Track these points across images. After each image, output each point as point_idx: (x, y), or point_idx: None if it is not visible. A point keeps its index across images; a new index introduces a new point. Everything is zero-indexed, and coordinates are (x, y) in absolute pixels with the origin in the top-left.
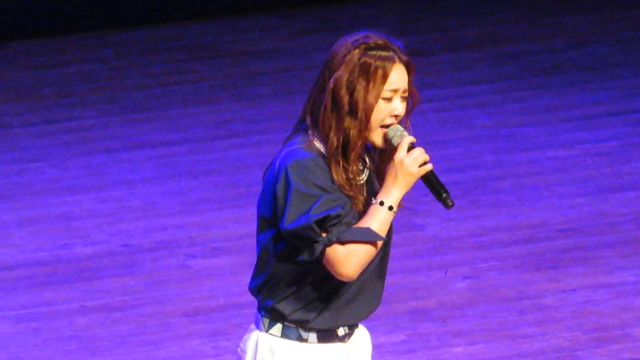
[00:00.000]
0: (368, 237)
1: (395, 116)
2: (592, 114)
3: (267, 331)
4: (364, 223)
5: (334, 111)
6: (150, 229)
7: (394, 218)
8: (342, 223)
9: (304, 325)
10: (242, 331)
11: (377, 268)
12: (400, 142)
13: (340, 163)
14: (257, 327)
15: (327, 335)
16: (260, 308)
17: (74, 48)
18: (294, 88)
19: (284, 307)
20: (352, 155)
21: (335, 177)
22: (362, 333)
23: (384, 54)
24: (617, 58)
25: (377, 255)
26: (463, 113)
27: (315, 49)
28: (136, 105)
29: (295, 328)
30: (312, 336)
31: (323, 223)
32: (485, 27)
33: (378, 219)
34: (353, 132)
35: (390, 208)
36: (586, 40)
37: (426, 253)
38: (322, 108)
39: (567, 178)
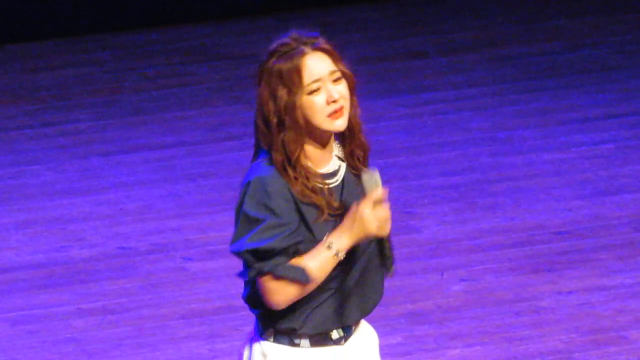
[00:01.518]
0: (300, 277)
1: (335, 101)
2: (589, 116)
3: (260, 335)
4: (306, 259)
5: (267, 127)
6: (147, 231)
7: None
8: (280, 253)
9: (294, 332)
10: (239, 334)
11: (366, 268)
12: (370, 193)
13: (293, 175)
14: (254, 331)
15: (319, 339)
16: (254, 314)
17: (71, 51)
18: None
19: (270, 315)
20: (298, 165)
21: (294, 191)
22: (365, 332)
23: (292, 52)
24: (614, 61)
25: (360, 261)
26: (460, 116)
27: None
28: (133, 108)
29: (286, 334)
30: (304, 341)
31: (256, 253)
32: (482, 30)
33: (320, 260)
34: (290, 141)
35: (336, 254)
36: (583, 43)
37: (423, 255)
38: (256, 128)
39: (564, 181)
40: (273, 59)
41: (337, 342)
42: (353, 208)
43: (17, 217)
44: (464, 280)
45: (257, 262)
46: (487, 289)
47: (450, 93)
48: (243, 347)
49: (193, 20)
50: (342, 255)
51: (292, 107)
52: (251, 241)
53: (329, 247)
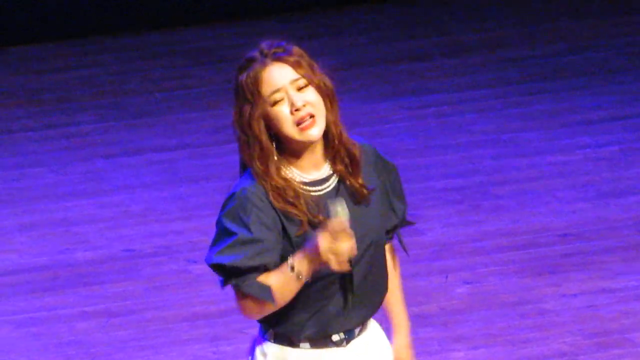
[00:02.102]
0: (264, 296)
1: (297, 109)
2: (593, 118)
3: (262, 336)
4: (272, 277)
5: (242, 144)
6: (151, 234)
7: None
8: (247, 271)
9: (291, 335)
10: (243, 336)
11: (365, 275)
12: (331, 223)
13: (270, 188)
14: (258, 331)
15: (320, 341)
16: None
17: (74, 53)
18: None
19: (269, 319)
20: (276, 177)
21: (275, 203)
22: (374, 335)
23: (252, 65)
24: (618, 63)
25: (360, 266)
26: (463, 118)
27: (315, 55)
28: (136, 110)
29: (286, 335)
30: (304, 343)
31: (223, 268)
32: (486, 32)
33: (284, 281)
34: (260, 155)
35: (298, 276)
36: (587, 45)
37: (427, 258)
38: (238, 144)
39: (568, 183)
40: (239, 75)
41: (338, 344)
42: (318, 232)
43: (21, 219)
44: (468, 282)
45: (225, 276)
46: (491, 292)
47: (454, 95)
48: (249, 347)
49: (197, 23)
50: (304, 279)
51: (257, 120)
52: (219, 255)
53: (292, 269)
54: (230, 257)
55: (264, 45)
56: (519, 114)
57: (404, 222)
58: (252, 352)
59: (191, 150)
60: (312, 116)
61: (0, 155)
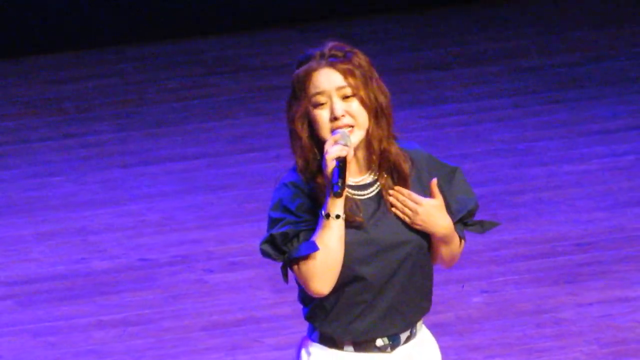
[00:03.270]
0: (308, 250)
1: (336, 118)
2: (611, 128)
3: (309, 336)
4: (313, 236)
5: (289, 136)
6: (168, 243)
7: None
8: (297, 241)
9: (335, 336)
10: (260, 345)
11: (407, 280)
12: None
13: (311, 180)
14: (307, 330)
15: (364, 345)
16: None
17: (92, 63)
18: None
19: (314, 318)
20: (314, 174)
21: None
22: (424, 344)
23: (306, 64)
24: (635, 72)
25: (397, 274)
26: (482, 127)
27: None
28: (154, 119)
29: (330, 337)
30: (348, 346)
31: (272, 242)
32: (504, 42)
33: (319, 230)
34: (300, 151)
35: (327, 216)
36: (604, 54)
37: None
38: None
39: (586, 192)
40: (296, 68)
41: (382, 349)
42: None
43: (39, 228)
44: (485, 291)
45: (276, 253)
46: (508, 301)
47: (472, 104)
48: (296, 346)
49: (214, 32)
50: (335, 215)
51: (300, 118)
52: (268, 237)
53: (321, 215)
54: (278, 229)
55: (327, 45)
56: (537, 123)
57: (468, 222)
58: (298, 351)
59: (209, 159)
60: (350, 126)
61: (19, 165)
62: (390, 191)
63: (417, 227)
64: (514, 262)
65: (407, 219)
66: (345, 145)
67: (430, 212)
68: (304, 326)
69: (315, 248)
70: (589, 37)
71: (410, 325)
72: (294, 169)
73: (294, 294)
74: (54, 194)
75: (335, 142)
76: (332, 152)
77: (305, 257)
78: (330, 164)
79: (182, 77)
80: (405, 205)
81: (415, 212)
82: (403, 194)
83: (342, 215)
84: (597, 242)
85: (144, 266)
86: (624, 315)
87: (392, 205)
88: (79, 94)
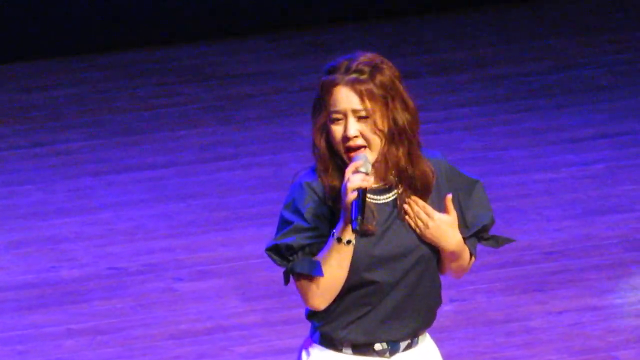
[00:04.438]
0: (312, 271)
1: (349, 138)
2: (580, 136)
3: (310, 336)
4: (319, 253)
5: (312, 139)
6: (138, 251)
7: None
8: (299, 251)
9: (335, 337)
10: (229, 354)
11: (412, 288)
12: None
13: (331, 187)
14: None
15: (362, 349)
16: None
17: (62, 71)
18: (282, 111)
19: (315, 317)
20: (332, 179)
21: (330, 202)
22: (425, 353)
23: (330, 76)
24: (605, 81)
25: (403, 283)
26: (451, 136)
27: (303, 72)
28: (124, 128)
29: (330, 337)
30: (347, 349)
31: (277, 250)
32: (473, 50)
33: (327, 250)
34: (319, 158)
35: (339, 240)
36: (574, 63)
37: None
38: None
39: (555, 201)
40: (322, 75)
41: (380, 353)
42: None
43: (8, 237)
44: (454, 300)
45: (280, 259)
46: (478, 309)
47: (441, 113)
48: (299, 348)
49: (184, 40)
50: (346, 239)
51: (319, 128)
52: (275, 240)
53: (332, 236)
54: (284, 240)
55: (356, 58)
56: (506, 131)
57: (482, 236)
58: (299, 351)
59: (178, 168)
60: (363, 147)
61: None
62: (407, 199)
63: (426, 239)
64: (484, 270)
65: (417, 230)
66: (367, 173)
67: (441, 227)
68: (273, 334)
69: (319, 273)
70: (558, 46)
71: (410, 335)
72: (314, 169)
73: (263, 303)
74: (23, 203)
75: (357, 170)
76: (354, 182)
77: (308, 275)
78: (351, 195)
79: (152, 86)
80: (418, 217)
81: (426, 226)
82: (418, 205)
83: (353, 241)
84: (566, 251)
85: (113, 275)
86: (594, 324)
87: (406, 213)
88: (48, 102)
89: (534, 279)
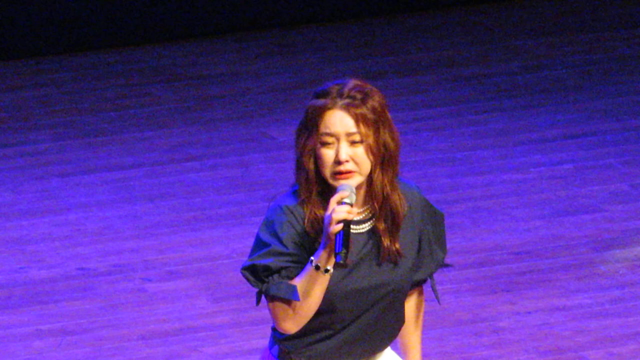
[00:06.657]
0: (288, 295)
1: (340, 162)
2: (548, 137)
3: (269, 349)
4: (297, 278)
5: (296, 164)
6: (106, 252)
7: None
8: (275, 273)
9: (293, 353)
10: (197, 354)
11: (376, 319)
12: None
13: (308, 211)
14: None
15: None
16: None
17: (29, 72)
18: (249, 112)
19: (277, 332)
20: (314, 206)
21: (309, 229)
22: None
23: (321, 100)
24: (572, 81)
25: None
26: (418, 136)
27: (270, 73)
28: (91, 129)
29: (289, 353)
30: None
31: (254, 270)
32: (440, 51)
33: (304, 276)
34: (305, 183)
35: (317, 267)
36: (541, 63)
37: None
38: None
39: (523, 201)
40: (312, 99)
41: None
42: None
43: None
44: None
45: (255, 280)
46: (446, 310)
47: (409, 113)
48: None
49: (151, 42)
50: (324, 268)
51: (308, 152)
52: (251, 260)
53: (310, 262)
54: (261, 260)
55: (348, 84)
56: (474, 132)
57: (439, 267)
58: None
59: (146, 169)
60: (352, 172)
61: None
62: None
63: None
64: (452, 271)
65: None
66: (351, 205)
67: None
68: (242, 335)
69: (295, 297)
70: (525, 46)
71: (370, 355)
72: (294, 191)
73: (232, 303)
74: None
75: (342, 200)
76: (339, 213)
77: (283, 299)
78: (336, 227)
79: (119, 87)
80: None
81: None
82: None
83: (331, 270)
84: (534, 251)
85: (81, 275)
86: (563, 324)
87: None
88: (15, 103)
89: (503, 279)
